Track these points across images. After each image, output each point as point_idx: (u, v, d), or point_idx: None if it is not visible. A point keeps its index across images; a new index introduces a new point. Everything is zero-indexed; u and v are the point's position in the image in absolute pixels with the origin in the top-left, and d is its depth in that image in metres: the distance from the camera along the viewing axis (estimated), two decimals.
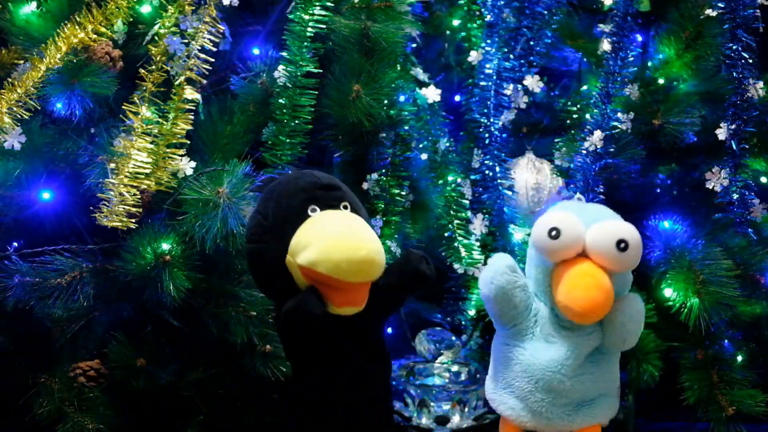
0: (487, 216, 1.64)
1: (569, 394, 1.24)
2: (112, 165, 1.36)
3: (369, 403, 1.23)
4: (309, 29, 1.52)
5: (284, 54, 1.52)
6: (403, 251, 1.24)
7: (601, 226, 1.21)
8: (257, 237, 1.21)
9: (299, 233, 1.18)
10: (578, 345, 1.24)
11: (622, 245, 1.19)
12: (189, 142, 1.43)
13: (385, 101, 1.51)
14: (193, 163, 1.41)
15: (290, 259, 1.18)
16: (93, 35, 1.43)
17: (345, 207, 1.22)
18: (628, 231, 1.21)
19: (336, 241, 1.15)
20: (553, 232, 1.20)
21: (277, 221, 1.20)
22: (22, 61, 1.47)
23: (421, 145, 1.63)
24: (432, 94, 1.66)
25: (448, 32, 1.87)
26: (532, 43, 1.72)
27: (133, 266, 1.38)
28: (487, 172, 1.65)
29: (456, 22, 1.86)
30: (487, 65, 1.67)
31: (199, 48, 1.44)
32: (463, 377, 1.60)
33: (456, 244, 1.62)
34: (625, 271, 1.24)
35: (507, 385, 1.27)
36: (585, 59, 1.77)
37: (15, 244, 1.47)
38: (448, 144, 1.69)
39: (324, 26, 1.52)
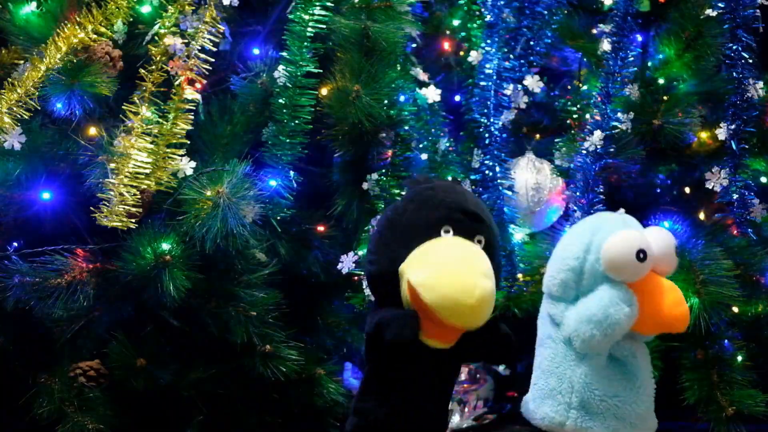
0: None
1: (649, 396, 1.29)
2: (112, 165, 1.36)
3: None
4: (309, 29, 1.52)
5: (284, 54, 1.52)
6: (492, 320, 1.19)
7: (657, 237, 1.25)
8: (384, 230, 1.20)
9: (422, 248, 1.15)
10: (644, 357, 1.29)
11: (677, 250, 1.28)
12: (189, 142, 1.43)
13: (385, 101, 1.51)
14: (193, 163, 1.41)
15: (404, 268, 1.15)
16: (93, 35, 1.43)
17: (479, 242, 1.19)
18: (672, 236, 1.29)
19: (452, 275, 1.11)
20: (641, 255, 1.21)
21: (408, 225, 1.18)
22: (22, 61, 1.47)
23: (421, 145, 1.63)
24: (432, 94, 1.66)
25: (448, 32, 1.87)
26: (532, 43, 1.72)
27: (133, 266, 1.38)
28: (487, 172, 1.65)
29: (456, 22, 1.86)
30: (487, 65, 1.67)
31: (199, 48, 1.44)
32: (463, 377, 1.60)
33: None
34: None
35: (603, 411, 1.26)
36: (585, 59, 1.77)
37: (15, 244, 1.47)
38: (448, 144, 1.69)
39: (324, 26, 1.52)
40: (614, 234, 1.23)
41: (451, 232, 1.17)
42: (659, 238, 1.25)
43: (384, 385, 1.20)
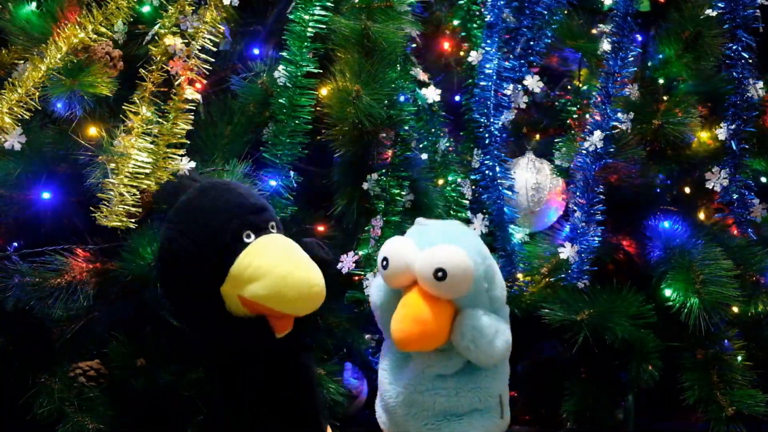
0: (487, 216, 1.64)
1: (429, 408, 1.22)
2: (112, 165, 1.36)
3: (297, 404, 1.25)
4: (309, 29, 1.52)
5: (284, 54, 1.52)
6: (301, 242, 1.25)
7: (425, 254, 1.16)
8: (181, 263, 1.18)
9: (242, 264, 1.16)
10: (434, 362, 1.21)
11: (439, 275, 1.14)
12: (189, 142, 1.42)
13: (385, 101, 1.51)
14: (193, 163, 1.41)
15: (229, 288, 1.17)
16: (93, 35, 1.43)
17: (273, 227, 1.23)
18: (449, 258, 1.14)
19: (289, 278, 1.16)
20: (384, 262, 1.19)
21: (206, 246, 1.17)
22: (22, 61, 1.47)
23: (421, 145, 1.63)
24: (432, 94, 1.66)
25: (447, 32, 1.87)
26: (532, 43, 1.72)
27: (133, 266, 1.38)
28: (487, 172, 1.65)
29: (456, 22, 1.86)
30: (487, 65, 1.67)
31: (199, 48, 1.44)
32: None
33: None
34: (455, 297, 1.17)
35: (380, 399, 1.27)
36: (585, 59, 1.77)
37: (15, 244, 1.47)
38: (448, 144, 1.69)
39: (324, 26, 1.52)
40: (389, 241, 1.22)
41: (252, 235, 1.19)
42: (423, 256, 1.16)
43: (245, 396, 1.23)
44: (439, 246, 1.16)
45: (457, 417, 1.22)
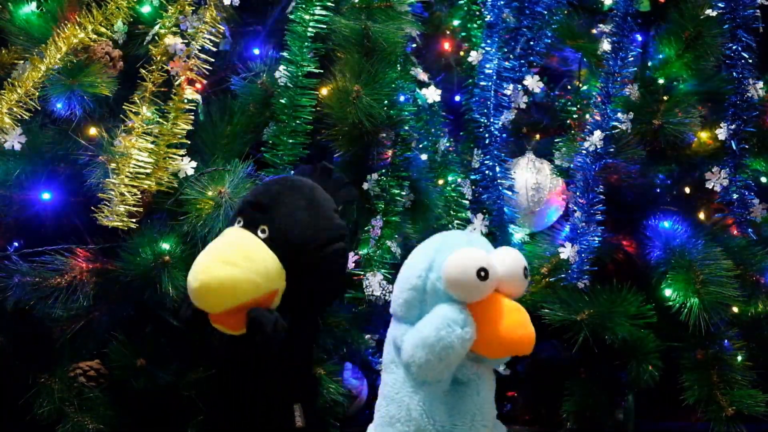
0: (487, 216, 1.64)
1: (486, 424, 1.20)
2: (113, 165, 1.36)
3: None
4: (310, 29, 1.52)
5: (285, 54, 1.52)
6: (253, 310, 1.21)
7: (504, 257, 1.18)
8: None
9: None
10: (486, 381, 1.21)
11: (526, 272, 1.19)
12: (189, 142, 1.42)
13: (385, 101, 1.51)
14: (193, 163, 1.41)
15: None
16: (93, 35, 1.43)
17: (263, 231, 1.22)
18: (523, 257, 1.21)
19: (195, 265, 1.17)
20: (482, 273, 1.14)
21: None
22: (22, 61, 1.47)
23: (421, 145, 1.63)
24: (432, 94, 1.66)
25: (448, 32, 1.87)
26: (532, 43, 1.72)
27: (133, 266, 1.38)
28: (487, 172, 1.65)
29: (456, 22, 1.86)
30: (487, 65, 1.67)
31: (199, 48, 1.44)
32: None
33: None
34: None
35: None
36: (585, 59, 1.77)
37: (15, 244, 1.47)
38: (448, 144, 1.69)
39: (324, 26, 1.52)
40: (456, 251, 1.16)
41: (242, 223, 1.23)
42: (506, 258, 1.18)
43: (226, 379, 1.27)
44: (503, 249, 1.20)
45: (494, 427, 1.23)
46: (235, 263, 1.17)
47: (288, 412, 1.25)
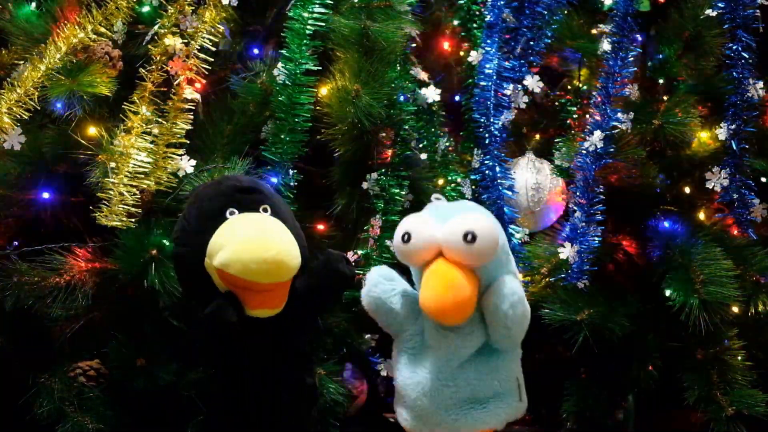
0: None
1: (453, 397, 1.23)
2: (112, 164, 1.36)
3: (283, 407, 1.24)
4: (308, 27, 1.52)
5: (283, 52, 1.52)
6: (323, 253, 1.28)
7: (449, 223, 1.19)
8: (181, 241, 1.24)
9: (215, 235, 1.20)
10: (457, 347, 1.22)
11: (468, 237, 1.15)
12: (188, 141, 1.43)
13: (385, 101, 1.51)
14: (193, 162, 1.41)
15: (208, 262, 1.20)
16: (93, 35, 1.43)
17: (265, 210, 1.24)
18: (476, 222, 1.17)
19: (245, 242, 1.17)
20: (405, 236, 1.20)
21: (198, 225, 1.23)
22: (22, 61, 1.47)
23: (421, 145, 1.63)
24: (432, 94, 1.66)
25: (447, 32, 1.87)
26: (532, 43, 1.72)
27: (128, 265, 1.38)
28: (487, 172, 1.65)
29: (456, 22, 1.86)
30: (487, 65, 1.67)
31: (199, 48, 1.45)
32: None
33: None
34: (481, 264, 1.19)
35: (399, 396, 1.27)
36: (585, 59, 1.77)
37: (15, 243, 1.47)
38: (448, 144, 1.69)
39: (323, 24, 1.52)
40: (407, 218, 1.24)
41: (237, 212, 1.22)
42: (448, 225, 1.18)
43: (231, 381, 1.25)
44: (463, 214, 1.19)
45: (480, 404, 1.23)
46: (281, 231, 1.21)
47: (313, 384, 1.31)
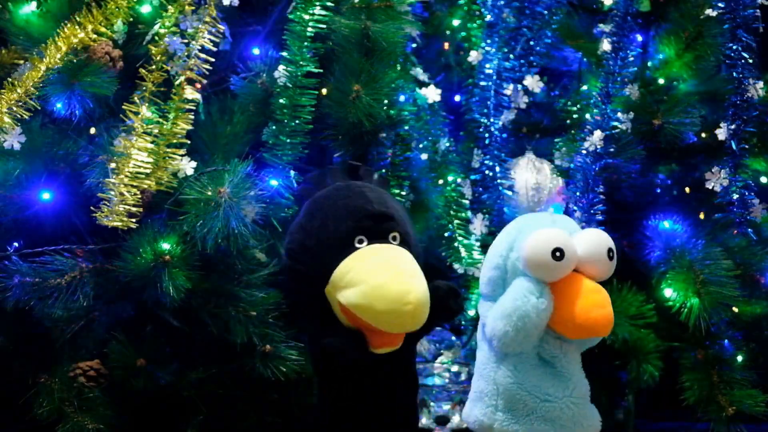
0: (487, 216, 1.64)
1: (580, 397, 1.26)
2: (113, 165, 1.36)
3: (398, 425, 1.22)
4: (309, 29, 1.52)
5: (284, 54, 1.52)
6: (430, 284, 1.20)
7: (587, 238, 1.21)
8: (301, 258, 1.18)
9: (344, 267, 1.14)
10: (573, 356, 1.25)
11: (611, 254, 1.21)
12: (189, 142, 1.42)
13: (385, 101, 1.51)
14: (193, 163, 1.41)
15: (331, 290, 1.15)
16: (93, 35, 1.43)
17: (394, 239, 1.18)
18: (609, 239, 1.22)
19: (381, 288, 1.10)
20: (557, 253, 1.18)
21: (321, 245, 1.16)
22: (22, 61, 1.47)
23: (421, 145, 1.63)
24: (432, 94, 1.66)
25: (448, 32, 1.87)
26: (532, 43, 1.72)
27: (133, 266, 1.38)
28: (487, 172, 1.65)
29: (456, 22, 1.86)
30: (487, 65, 1.67)
31: (199, 48, 1.44)
32: (463, 377, 1.60)
33: (456, 244, 1.61)
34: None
35: (529, 413, 1.23)
36: (585, 59, 1.77)
37: (15, 244, 1.47)
38: (448, 144, 1.69)
39: (324, 26, 1.52)
40: (535, 232, 1.20)
41: (366, 242, 1.16)
42: (589, 239, 1.21)
43: (348, 406, 1.20)
44: (589, 230, 1.23)
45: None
46: (417, 274, 1.14)
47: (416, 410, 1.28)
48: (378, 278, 1.11)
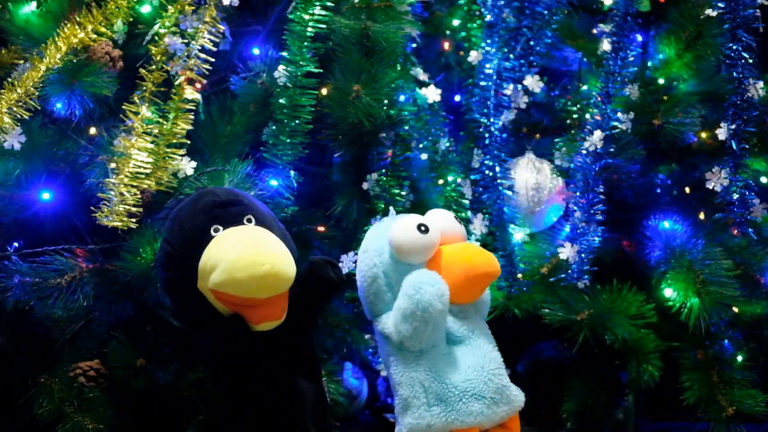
0: (487, 216, 1.64)
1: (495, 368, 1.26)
2: (113, 165, 1.36)
3: (298, 416, 1.22)
4: (309, 29, 1.52)
5: (284, 54, 1.52)
6: (309, 260, 1.26)
7: (434, 214, 1.30)
8: (169, 267, 1.21)
9: (205, 256, 1.17)
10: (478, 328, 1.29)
11: (458, 218, 1.32)
12: (189, 142, 1.43)
13: (385, 101, 1.51)
14: (193, 163, 1.41)
15: (201, 284, 1.17)
16: (93, 35, 1.43)
17: (249, 221, 1.21)
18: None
19: (236, 260, 1.13)
20: (422, 228, 1.24)
21: (183, 248, 1.20)
22: (22, 61, 1.47)
23: (421, 145, 1.63)
24: (432, 94, 1.66)
25: (448, 32, 1.87)
26: (532, 43, 1.72)
27: (133, 266, 1.38)
28: (487, 172, 1.65)
29: (456, 22, 1.86)
30: (487, 65, 1.67)
31: (199, 48, 1.44)
32: None
33: None
34: None
35: (429, 397, 1.23)
36: (585, 59, 1.77)
37: (15, 244, 1.47)
38: (448, 144, 1.69)
39: (324, 26, 1.52)
40: (393, 223, 1.26)
41: (221, 228, 1.19)
42: (437, 214, 1.30)
43: (246, 395, 1.22)
44: (430, 211, 1.33)
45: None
46: (271, 240, 1.18)
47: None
48: (233, 252, 1.14)
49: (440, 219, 1.29)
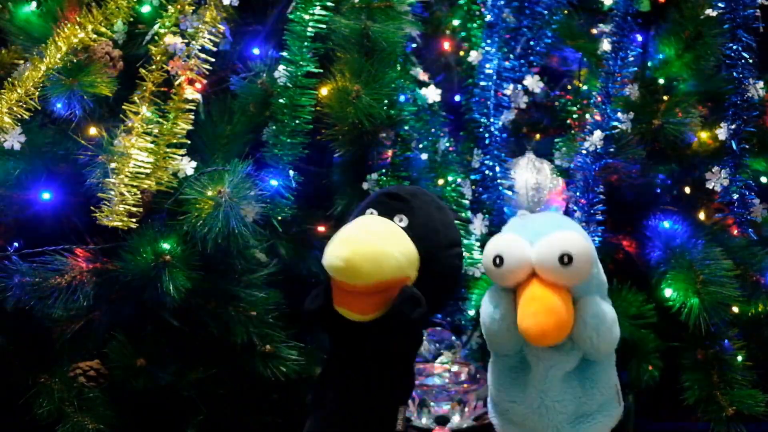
0: (487, 216, 1.64)
1: (562, 412, 1.20)
2: (113, 165, 1.36)
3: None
4: (309, 29, 1.52)
5: (284, 54, 1.52)
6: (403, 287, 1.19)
7: (542, 243, 1.16)
8: None
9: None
10: (560, 361, 1.19)
11: (565, 259, 1.13)
12: (189, 142, 1.43)
13: (385, 101, 1.51)
14: (193, 163, 1.41)
15: None
16: (93, 35, 1.43)
17: (401, 219, 1.21)
18: (571, 242, 1.14)
19: (337, 238, 1.14)
20: (497, 260, 1.17)
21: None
22: (22, 61, 1.47)
23: (421, 145, 1.63)
24: (432, 94, 1.66)
25: (448, 32, 1.87)
26: (532, 43, 1.72)
27: (133, 266, 1.38)
28: (487, 172, 1.65)
29: (456, 22, 1.86)
30: (487, 65, 1.67)
31: (199, 48, 1.45)
32: (463, 377, 1.60)
33: None
34: (577, 284, 1.17)
35: (504, 413, 1.24)
36: (585, 59, 1.77)
37: (15, 244, 1.47)
38: (448, 144, 1.69)
39: (324, 26, 1.52)
40: (496, 236, 1.21)
41: (375, 213, 1.21)
42: (542, 245, 1.16)
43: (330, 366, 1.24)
44: (555, 233, 1.16)
45: (588, 416, 1.22)
46: (381, 236, 1.16)
47: (393, 414, 1.23)
48: (342, 231, 1.16)
49: (540, 252, 1.15)
